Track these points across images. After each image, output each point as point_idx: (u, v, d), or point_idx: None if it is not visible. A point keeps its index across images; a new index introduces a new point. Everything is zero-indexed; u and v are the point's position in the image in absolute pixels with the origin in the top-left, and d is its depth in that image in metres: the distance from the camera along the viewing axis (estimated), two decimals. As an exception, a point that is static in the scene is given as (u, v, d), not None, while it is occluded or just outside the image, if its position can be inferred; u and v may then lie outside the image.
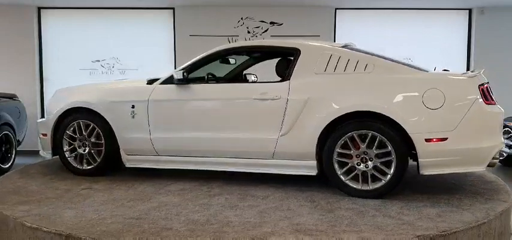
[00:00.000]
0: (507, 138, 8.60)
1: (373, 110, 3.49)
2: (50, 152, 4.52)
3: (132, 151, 4.25)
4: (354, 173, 3.60)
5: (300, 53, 3.85)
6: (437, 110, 3.42)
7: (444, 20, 9.85)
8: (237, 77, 4.89)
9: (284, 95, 3.73)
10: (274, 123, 3.75)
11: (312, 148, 3.68)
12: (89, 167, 4.37)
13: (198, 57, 4.17)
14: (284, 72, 3.95)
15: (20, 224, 3.13)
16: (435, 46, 9.80)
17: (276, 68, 4.10)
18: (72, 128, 4.35)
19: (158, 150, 4.16)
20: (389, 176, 3.51)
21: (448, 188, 3.95)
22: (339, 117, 3.58)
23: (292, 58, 4.01)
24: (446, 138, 3.39)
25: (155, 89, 4.15)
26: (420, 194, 3.72)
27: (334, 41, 9.56)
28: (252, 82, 4.93)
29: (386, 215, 3.21)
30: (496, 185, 4.10)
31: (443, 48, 9.86)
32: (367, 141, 3.52)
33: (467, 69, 9.94)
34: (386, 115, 3.47)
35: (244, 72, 5.03)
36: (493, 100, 3.60)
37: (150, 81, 4.29)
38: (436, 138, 3.40)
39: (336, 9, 9.62)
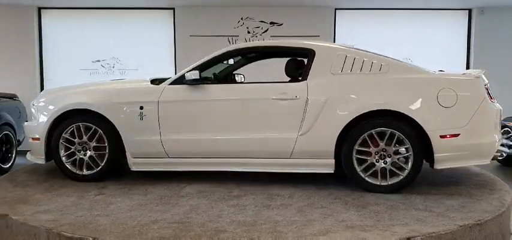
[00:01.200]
0: (507, 138, 8.60)
1: (394, 109, 3.67)
2: (43, 157, 4.22)
3: (139, 154, 4.09)
4: (373, 170, 3.76)
5: (314, 54, 3.94)
6: (451, 108, 3.67)
7: (444, 20, 9.86)
8: (227, 77, 4.76)
9: (303, 95, 3.80)
10: (294, 122, 3.81)
11: (331, 146, 3.78)
12: (90, 172, 4.15)
13: (210, 57, 4.09)
14: (295, 72, 4.12)
15: (55, 235, 2.91)
16: (435, 46, 9.81)
17: (286, 68, 4.20)
18: (69, 131, 4.12)
19: (169, 152, 4.03)
20: (406, 171, 3.72)
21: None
22: (356, 117, 3.73)
23: (303, 58, 4.16)
24: (459, 134, 3.66)
25: (165, 90, 4.02)
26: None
27: (334, 41, 9.58)
28: (240, 82, 4.92)
29: (417, 208, 3.34)
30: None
31: (443, 48, 9.87)
32: (385, 138, 3.70)
33: (467, 68, 9.95)
34: (406, 114, 3.66)
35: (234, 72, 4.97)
36: (493, 98, 3.92)
37: (154, 81, 4.21)
38: (449, 135, 3.66)
39: (335, 9, 9.63)
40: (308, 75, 3.88)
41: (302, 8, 9.47)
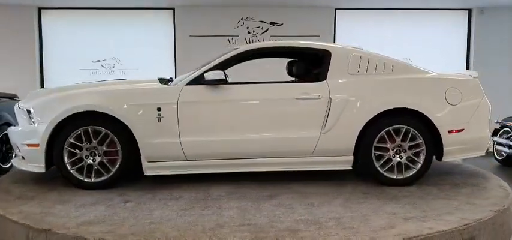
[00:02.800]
0: (507, 138, 8.60)
1: (410, 107, 3.93)
2: (43, 165, 3.84)
3: (155, 158, 3.88)
4: (390, 165, 3.98)
5: (330, 55, 4.08)
6: (457, 105, 4.04)
7: (444, 20, 9.86)
8: None
9: (325, 95, 3.92)
10: (316, 121, 3.92)
11: (352, 144, 3.94)
12: (100, 179, 3.86)
13: (228, 56, 4.02)
14: (307, 72, 4.25)
15: None
16: (435, 46, 9.81)
17: (296, 69, 4.31)
18: (74, 136, 3.81)
19: (188, 155, 3.90)
20: (419, 165, 3.98)
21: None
22: (375, 115, 3.93)
23: (317, 59, 4.22)
24: (463, 129, 4.04)
25: (184, 90, 3.88)
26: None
27: (334, 42, 9.58)
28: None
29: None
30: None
31: (443, 48, 9.88)
32: (401, 135, 3.94)
33: (467, 68, 9.95)
34: (420, 111, 3.93)
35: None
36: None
37: (161, 81, 4.12)
38: (456, 130, 4.02)
39: (335, 9, 9.63)
40: (327, 75, 4.01)
41: (302, 8, 9.48)
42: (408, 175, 4.00)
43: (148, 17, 9.62)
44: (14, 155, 4.46)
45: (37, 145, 3.83)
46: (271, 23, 9.56)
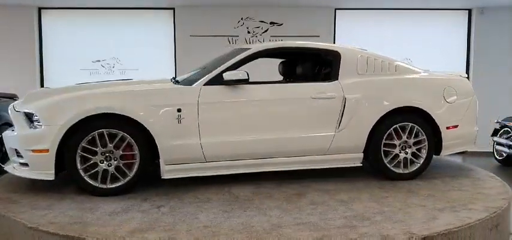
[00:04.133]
0: (507, 138, 8.61)
1: (415, 106, 4.14)
2: (52, 172, 3.56)
3: (174, 160, 3.75)
4: (397, 160, 4.17)
5: (340, 56, 4.20)
6: (453, 103, 4.32)
7: (444, 20, 9.87)
8: None
9: (340, 94, 4.04)
10: (332, 120, 4.02)
11: (363, 141, 4.09)
12: (116, 185, 3.65)
13: (242, 56, 3.99)
14: (315, 73, 4.37)
15: None
16: (435, 46, 9.82)
17: (301, 69, 4.35)
18: (88, 140, 3.58)
19: (207, 156, 3.81)
20: (422, 159, 4.21)
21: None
22: (384, 113, 4.10)
23: (325, 60, 4.37)
24: (457, 126, 4.33)
25: (203, 90, 3.80)
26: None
27: (334, 42, 9.59)
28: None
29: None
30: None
31: (443, 48, 9.88)
32: (407, 132, 4.15)
33: (467, 68, 9.96)
34: (423, 109, 4.16)
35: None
36: None
37: (178, 81, 4.04)
38: (452, 126, 4.29)
39: (335, 9, 9.64)
40: (338, 75, 4.13)
41: (302, 8, 9.48)
42: (413, 169, 4.22)
43: (148, 17, 9.63)
44: (10, 162, 4.06)
45: (46, 151, 3.54)
46: (271, 23, 9.57)
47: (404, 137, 4.16)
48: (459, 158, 9.27)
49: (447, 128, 4.26)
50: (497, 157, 8.98)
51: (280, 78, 5.07)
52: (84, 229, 2.90)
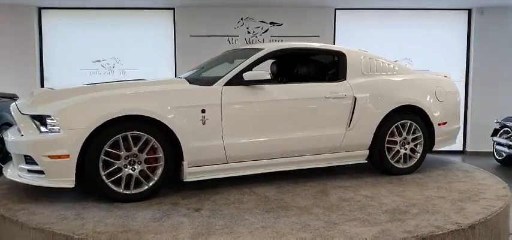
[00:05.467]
0: (507, 138, 8.61)
1: (414, 104, 4.38)
2: (73, 179, 3.33)
3: (197, 162, 3.67)
4: (398, 156, 4.38)
5: (346, 57, 4.34)
6: (443, 102, 4.60)
7: (444, 20, 9.88)
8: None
9: (349, 93, 4.18)
10: (343, 119, 4.16)
11: (370, 138, 4.26)
12: (140, 190, 3.48)
13: (257, 57, 3.98)
14: (321, 73, 4.50)
15: None
16: (435, 46, 9.82)
17: (312, 69, 4.47)
18: (111, 143, 3.38)
19: (229, 157, 3.78)
20: (419, 154, 4.46)
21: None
22: (389, 112, 4.29)
23: (332, 61, 4.52)
24: (446, 122, 4.63)
25: (225, 90, 3.76)
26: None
27: (334, 42, 9.59)
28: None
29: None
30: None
31: (443, 48, 9.89)
32: (406, 129, 4.37)
33: (467, 68, 9.96)
34: (421, 107, 4.40)
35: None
36: None
37: (195, 81, 3.96)
38: (441, 123, 4.57)
39: (335, 9, 9.64)
40: (346, 75, 4.27)
41: (302, 8, 9.48)
42: (411, 164, 4.44)
43: (148, 17, 9.63)
44: (8, 167, 3.82)
45: (66, 156, 3.29)
46: (271, 23, 9.57)
47: (404, 134, 4.37)
48: (459, 158, 9.28)
49: (439, 124, 4.54)
50: (497, 157, 8.98)
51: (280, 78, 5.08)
52: (140, 237, 2.76)
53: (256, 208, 3.34)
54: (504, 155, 8.69)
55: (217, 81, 3.81)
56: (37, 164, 3.34)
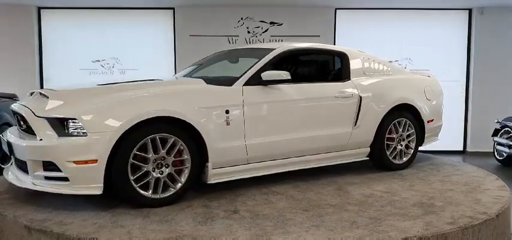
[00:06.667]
0: (507, 138, 8.60)
1: (409, 103, 4.59)
2: (101, 185, 3.14)
3: (220, 163, 3.63)
4: (395, 153, 4.57)
5: (348, 57, 4.50)
6: (430, 100, 4.86)
7: (444, 20, 9.87)
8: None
9: (355, 93, 4.31)
10: (351, 117, 4.29)
11: (372, 136, 4.42)
12: (168, 193, 3.37)
13: (270, 57, 3.99)
14: (324, 73, 4.62)
15: None
16: (435, 46, 9.82)
17: (318, 69, 4.59)
18: (139, 146, 3.24)
19: (250, 158, 3.76)
20: (412, 150, 4.68)
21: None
22: (389, 110, 4.47)
23: (333, 62, 4.66)
24: (433, 120, 4.90)
25: (245, 91, 3.74)
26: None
27: (334, 42, 9.58)
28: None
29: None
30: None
31: (443, 48, 9.88)
32: (402, 126, 4.58)
33: (467, 68, 9.95)
34: (414, 105, 4.62)
35: None
36: None
37: (209, 81, 3.89)
38: (430, 120, 4.83)
39: (336, 9, 9.63)
40: (350, 75, 4.41)
41: (302, 8, 9.48)
42: (406, 160, 4.66)
43: (148, 17, 9.63)
44: (7, 170, 3.59)
45: (94, 161, 3.09)
46: (271, 23, 9.57)
47: (400, 131, 4.57)
48: (460, 158, 9.27)
49: (428, 122, 4.79)
50: (498, 157, 8.98)
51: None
52: None
53: (292, 207, 3.35)
54: (505, 155, 8.68)
55: (235, 81, 3.76)
56: (59, 171, 3.11)
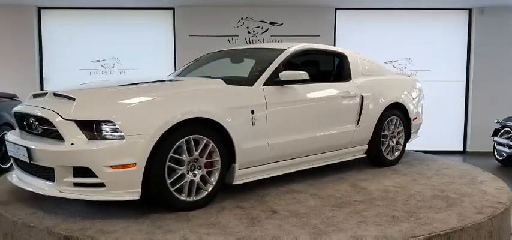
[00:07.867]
0: (507, 138, 8.60)
1: (399, 101, 4.83)
2: (139, 189, 3.01)
3: (245, 164, 3.60)
4: (388, 149, 4.80)
5: (348, 58, 4.65)
6: (415, 99, 5.14)
7: (444, 20, 9.87)
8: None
9: (358, 92, 4.46)
10: (354, 116, 4.44)
11: (371, 134, 4.60)
12: (201, 196, 3.29)
13: (283, 57, 4.00)
14: (325, 74, 4.71)
15: None
16: (435, 46, 9.81)
17: (318, 69, 4.62)
18: (174, 149, 3.14)
19: (271, 157, 3.78)
20: (401, 146, 4.95)
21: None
22: (384, 108, 4.66)
23: (333, 62, 4.80)
24: (416, 118, 5.14)
25: (266, 91, 3.74)
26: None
27: (334, 42, 9.58)
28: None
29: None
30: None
31: (443, 48, 9.88)
32: (393, 123, 4.81)
33: (467, 68, 9.95)
34: (404, 104, 4.86)
35: None
36: None
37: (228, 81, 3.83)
38: (414, 118, 5.07)
39: (336, 9, 9.63)
40: (351, 76, 4.56)
41: (302, 8, 9.48)
42: (397, 156, 4.90)
43: (148, 17, 9.63)
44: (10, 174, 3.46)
45: (132, 165, 2.95)
46: (271, 23, 9.57)
47: (392, 128, 4.80)
48: (459, 157, 9.27)
49: (413, 119, 5.03)
50: (498, 157, 8.97)
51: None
52: None
53: (325, 205, 3.39)
54: (505, 155, 8.68)
55: (255, 81, 3.75)
56: (94, 176, 2.93)
